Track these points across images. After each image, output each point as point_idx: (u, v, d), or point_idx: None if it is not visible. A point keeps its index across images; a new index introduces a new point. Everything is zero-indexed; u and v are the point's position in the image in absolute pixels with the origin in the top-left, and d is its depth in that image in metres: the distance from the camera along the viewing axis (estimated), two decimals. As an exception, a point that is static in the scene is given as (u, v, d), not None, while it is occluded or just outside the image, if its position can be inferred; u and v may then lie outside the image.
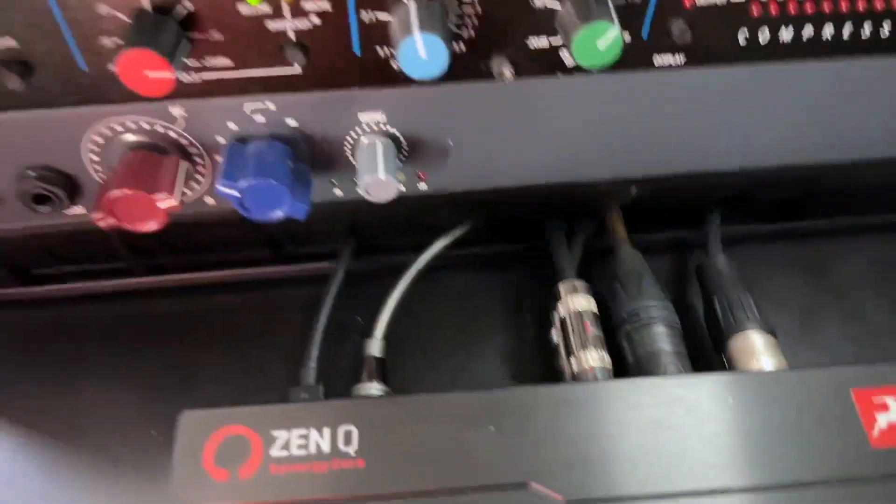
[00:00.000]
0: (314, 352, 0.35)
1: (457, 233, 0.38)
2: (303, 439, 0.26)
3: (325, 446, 0.26)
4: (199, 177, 0.31)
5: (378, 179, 0.29)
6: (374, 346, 0.35)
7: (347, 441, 0.26)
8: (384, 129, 0.30)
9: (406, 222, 0.41)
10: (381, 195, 0.29)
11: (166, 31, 0.24)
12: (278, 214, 0.29)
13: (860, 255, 0.43)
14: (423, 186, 0.33)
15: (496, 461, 0.26)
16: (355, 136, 0.30)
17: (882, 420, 0.26)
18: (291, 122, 0.29)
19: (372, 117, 0.29)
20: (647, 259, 0.38)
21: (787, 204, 0.43)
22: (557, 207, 0.40)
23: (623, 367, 0.34)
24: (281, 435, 0.26)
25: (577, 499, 0.25)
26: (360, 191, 0.29)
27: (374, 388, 0.33)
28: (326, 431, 0.26)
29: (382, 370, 0.35)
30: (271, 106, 0.29)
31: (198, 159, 0.30)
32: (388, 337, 0.37)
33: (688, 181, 0.34)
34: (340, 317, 0.40)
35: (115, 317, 0.40)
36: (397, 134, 0.30)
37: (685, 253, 0.43)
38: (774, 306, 0.40)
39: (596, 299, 0.37)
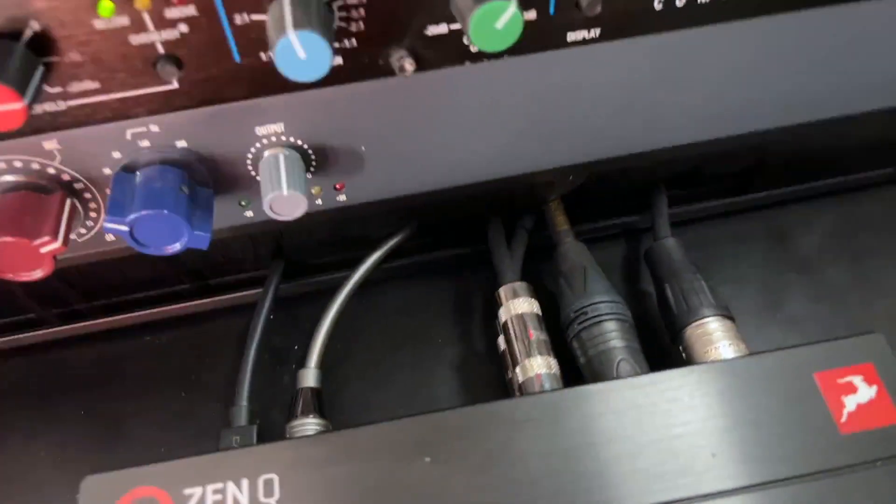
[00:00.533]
0: (244, 390, 0.32)
1: (389, 244, 0.36)
2: (219, 495, 0.23)
3: (244, 500, 0.23)
4: (92, 213, 0.28)
5: (281, 195, 0.26)
6: (309, 377, 0.32)
7: (268, 491, 0.23)
8: (286, 140, 0.27)
9: (335, 238, 0.38)
10: (289, 212, 0.27)
11: (11, 57, 0.22)
12: (177, 247, 0.26)
13: (819, 222, 0.42)
14: (341, 198, 0.30)
15: (433, 496, 0.23)
16: (255, 152, 0.27)
17: (850, 402, 0.24)
18: (181, 144, 0.26)
19: (270, 129, 0.27)
20: (598, 249, 0.36)
21: (738, 177, 0.41)
22: (494, 205, 0.37)
23: (576, 368, 0.31)
24: (194, 492, 0.23)
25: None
26: (265, 209, 0.27)
27: (309, 423, 0.30)
28: (244, 483, 0.23)
29: (318, 402, 0.32)
30: (155, 128, 0.26)
31: (86, 195, 0.27)
32: (327, 362, 0.34)
33: (626, 162, 0.32)
34: (279, 344, 0.37)
35: (28, 373, 0.37)
36: (302, 144, 0.28)
37: (637, 239, 0.41)
38: (736, 285, 0.38)
39: (547, 299, 0.34)
